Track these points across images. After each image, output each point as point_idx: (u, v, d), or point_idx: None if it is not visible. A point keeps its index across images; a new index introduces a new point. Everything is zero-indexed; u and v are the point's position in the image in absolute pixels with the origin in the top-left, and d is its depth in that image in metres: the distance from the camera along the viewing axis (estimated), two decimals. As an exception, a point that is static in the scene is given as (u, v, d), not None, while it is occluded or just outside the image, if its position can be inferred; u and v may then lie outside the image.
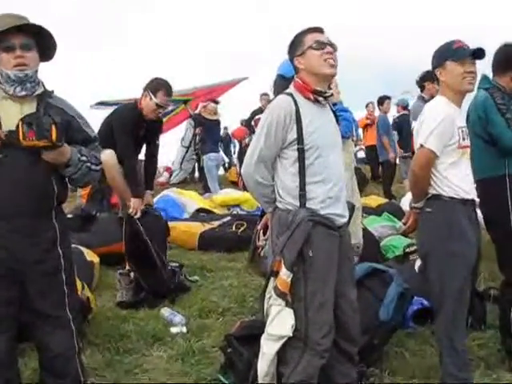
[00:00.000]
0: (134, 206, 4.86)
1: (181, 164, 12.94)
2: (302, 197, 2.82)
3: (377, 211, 7.33)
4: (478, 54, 3.15)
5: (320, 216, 2.81)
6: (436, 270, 3.16)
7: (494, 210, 3.75)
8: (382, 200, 8.68)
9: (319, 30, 2.96)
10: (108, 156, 4.54)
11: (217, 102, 11.53)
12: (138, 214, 4.85)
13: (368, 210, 7.16)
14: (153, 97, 4.95)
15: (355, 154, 13.18)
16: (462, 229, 3.12)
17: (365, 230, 5.47)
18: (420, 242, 3.39)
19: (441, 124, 3.09)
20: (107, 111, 6.10)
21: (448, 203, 3.14)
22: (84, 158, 2.77)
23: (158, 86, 5.01)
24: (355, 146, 14.10)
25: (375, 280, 3.79)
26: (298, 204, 2.83)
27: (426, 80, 6.24)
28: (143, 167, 5.42)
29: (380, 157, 10.44)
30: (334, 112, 3.10)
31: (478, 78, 3.46)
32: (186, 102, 11.50)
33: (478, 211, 3.67)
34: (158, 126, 5.33)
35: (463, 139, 3.16)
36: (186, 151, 12.69)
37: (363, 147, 14.85)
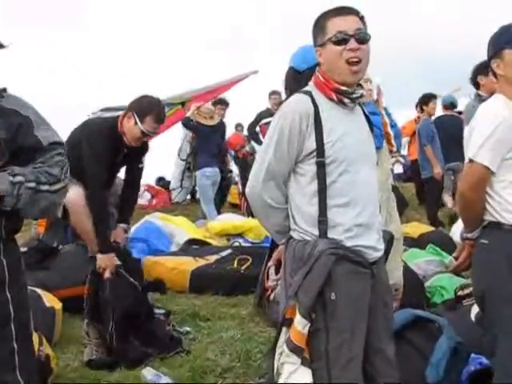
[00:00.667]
0: (101, 265, 4.78)
1: (181, 181, 13.04)
2: (323, 224, 2.83)
3: (420, 242, 7.33)
4: None
5: (345, 248, 2.82)
6: (495, 320, 3.15)
7: None
8: (427, 228, 8.68)
9: (347, 12, 2.92)
10: (72, 196, 4.44)
11: (226, 104, 11.64)
12: (107, 275, 4.77)
13: (408, 241, 7.17)
14: (139, 122, 4.87)
15: (391, 170, 13.20)
16: None
17: (405, 266, 5.47)
18: (475, 282, 3.39)
19: (497, 131, 3.09)
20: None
21: (509, 233, 3.14)
22: (20, 179, 2.63)
23: (147, 109, 4.90)
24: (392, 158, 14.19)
25: (419, 331, 3.80)
26: (317, 233, 2.84)
27: (480, 73, 6.25)
28: (121, 193, 5.31)
29: (423, 173, 10.43)
30: (366, 116, 3.12)
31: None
32: (183, 103, 11.60)
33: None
34: (141, 148, 5.22)
35: None
36: (187, 165, 12.75)
37: (401, 159, 14.87)
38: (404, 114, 14.77)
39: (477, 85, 6.40)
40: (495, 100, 3.26)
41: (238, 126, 14.34)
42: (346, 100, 2.92)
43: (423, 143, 10.18)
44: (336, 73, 2.89)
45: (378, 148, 4.83)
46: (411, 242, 7.28)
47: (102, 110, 10.93)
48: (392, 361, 2.98)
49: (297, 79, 3.81)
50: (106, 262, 4.78)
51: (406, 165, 15.74)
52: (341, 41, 2.85)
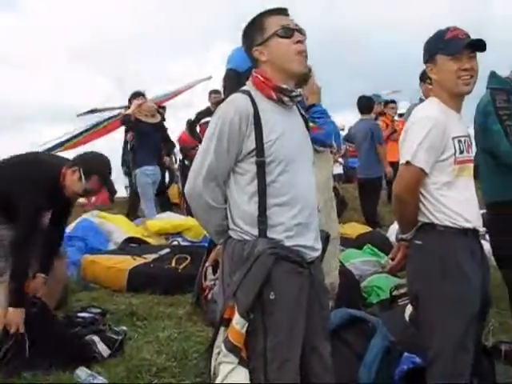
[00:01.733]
0: (11, 321, 4.52)
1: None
2: (262, 224, 2.83)
3: (357, 243, 7.42)
4: (477, 45, 3.22)
5: (284, 248, 2.83)
6: (428, 317, 3.21)
7: (505, 242, 3.85)
8: (364, 228, 8.81)
9: (283, 12, 2.99)
10: None
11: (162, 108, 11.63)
12: (21, 329, 4.52)
13: (346, 242, 7.25)
14: (84, 179, 4.74)
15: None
16: (461, 266, 3.18)
17: (341, 266, 5.54)
18: (410, 282, 3.45)
19: (430, 133, 3.16)
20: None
21: (443, 234, 3.21)
22: None
23: (95, 169, 4.78)
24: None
25: (354, 331, 3.83)
26: (256, 233, 2.84)
27: (422, 79, 6.38)
28: (44, 240, 5.00)
29: (368, 173, 10.46)
30: (303, 116, 3.15)
31: (483, 74, 3.56)
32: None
33: (487, 244, 3.77)
34: (73, 200, 5.10)
35: (461, 152, 3.24)
36: (125, 164, 12.64)
37: (340, 160, 15.03)
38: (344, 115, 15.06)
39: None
40: (429, 103, 3.35)
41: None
42: (286, 99, 2.94)
43: (377, 142, 10.25)
44: (283, 65, 2.92)
45: (329, 147, 4.91)
46: (349, 242, 7.37)
47: (86, 113, 10.82)
48: (327, 361, 3.01)
49: (238, 80, 3.83)
50: (17, 318, 4.52)
51: (345, 166, 15.96)
52: (287, 34, 2.90)
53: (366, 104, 10.61)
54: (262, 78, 2.94)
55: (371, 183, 10.28)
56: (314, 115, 4.76)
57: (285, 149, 2.87)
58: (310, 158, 3.09)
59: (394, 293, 5.32)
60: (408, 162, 3.19)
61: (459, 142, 3.24)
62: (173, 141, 12.11)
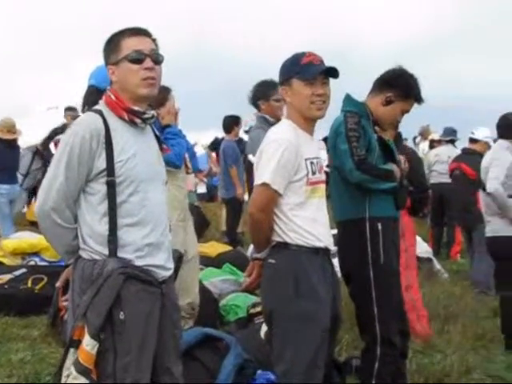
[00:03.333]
0: None
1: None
2: (112, 243, 2.81)
3: (217, 261, 7.46)
4: (331, 72, 3.36)
5: (135, 268, 2.83)
6: (280, 335, 3.29)
7: (351, 259, 3.99)
8: (224, 247, 8.83)
9: (142, 33, 2.96)
10: None
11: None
12: None
13: (206, 260, 7.27)
14: None
15: (195, 190, 13.32)
16: (312, 284, 3.28)
17: (200, 285, 5.57)
18: (264, 300, 3.52)
19: (283, 155, 3.26)
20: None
21: (295, 253, 3.31)
22: None
23: None
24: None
25: (208, 350, 3.86)
26: (106, 253, 2.81)
27: (261, 98, 6.07)
28: None
29: (225, 192, 10.61)
30: (157, 137, 3.15)
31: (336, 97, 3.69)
32: None
33: (336, 262, 3.89)
34: None
35: (313, 173, 3.35)
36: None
37: (204, 180, 15.12)
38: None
39: (256, 106, 6.33)
40: (282, 125, 3.45)
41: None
42: (138, 120, 2.93)
43: (229, 164, 10.35)
44: (131, 87, 2.89)
45: (178, 167, 4.96)
46: (208, 261, 7.39)
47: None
48: (179, 380, 3.01)
49: (98, 97, 3.79)
50: None
51: (209, 185, 16.06)
52: (137, 59, 2.87)
53: (229, 123, 10.77)
54: (114, 98, 2.92)
55: (230, 203, 10.43)
56: (167, 136, 4.81)
57: (136, 169, 2.86)
58: (163, 179, 3.09)
59: (251, 311, 5.38)
60: (263, 184, 3.27)
61: (311, 163, 3.35)
62: None
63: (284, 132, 3.39)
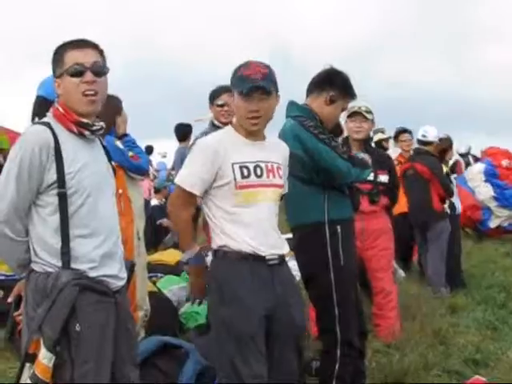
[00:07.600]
0: None
1: None
2: (65, 255, 2.82)
3: (176, 269, 7.43)
4: (256, 89, 3.25)
5: (89, 279, 2.84)
6: (212, 341, 3.37)
7: (311, 264, 4.03)
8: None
9: (86, 45, 2.96)
10: None
11: None
12: None
13: (165, 268, 7.25)
14: None
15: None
16: (235, 290, 3.25)
17: (159, 293, 5.57)
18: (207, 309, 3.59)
19: (199, 159, 3.34)
20: None
21: (220, 260, 3.34)
22: None
23: None
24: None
25: (167, 357, 3.88)
26: (60, 264, 2.82)
27: (209, 101, 6.18)
28: None
29: None
30: (105, 148, 3.17)
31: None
32: None
33: (293, 265, 3.93)
34: None
35: (245, 177, 3.29)
36: None
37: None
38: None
39: None
40: (220, 131, 3.61)
41: None
42: (87, 132, 2.95)
43: None
44: (73, 104, 2.90)
45: (144, 174, 5.07)
46: (168, 269, 7.36)
47: None
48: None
49: (47, 107, 3.79)
50: None
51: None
52: (77, 73, 2.88)
53: (182, 132, 10.76)
54: (62, 111, 2.93)
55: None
56: (129, 144, 4.82)
57: (87, 180, 2.88)
58: (113, 189, 3.12)
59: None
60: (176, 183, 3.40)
61: (243, 167, 3.30)
62: None
63: (211, 137, 3.50)
